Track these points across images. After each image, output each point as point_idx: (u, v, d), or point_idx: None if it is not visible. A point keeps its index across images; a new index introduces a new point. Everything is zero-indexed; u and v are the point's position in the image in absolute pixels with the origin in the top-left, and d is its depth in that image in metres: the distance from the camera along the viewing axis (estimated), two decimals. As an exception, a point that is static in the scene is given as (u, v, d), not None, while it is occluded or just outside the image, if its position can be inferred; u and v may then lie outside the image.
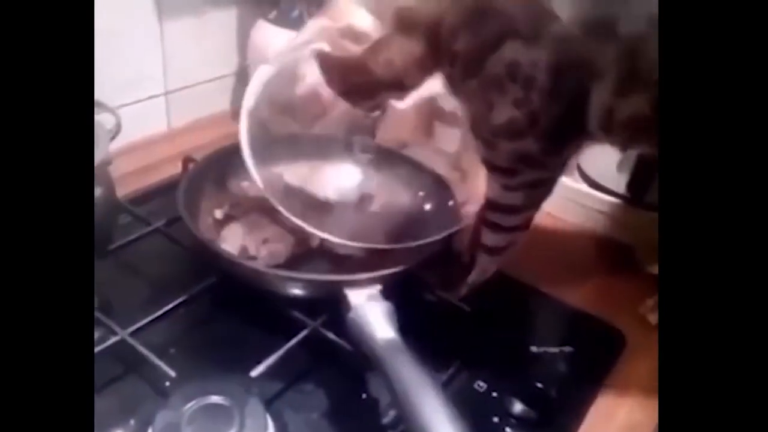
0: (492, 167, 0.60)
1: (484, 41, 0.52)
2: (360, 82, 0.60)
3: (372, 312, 0.54)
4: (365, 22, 0.58)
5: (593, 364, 0.62)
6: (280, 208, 0.61)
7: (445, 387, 0.57)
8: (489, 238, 0.64)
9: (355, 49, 0.58)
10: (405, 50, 0.57)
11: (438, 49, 0.56)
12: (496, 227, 0.63)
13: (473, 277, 0.66)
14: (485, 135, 0.58)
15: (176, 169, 0.77)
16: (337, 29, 0.58)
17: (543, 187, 0.61)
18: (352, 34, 0.58)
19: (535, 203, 0.62)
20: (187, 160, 0.77)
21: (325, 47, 0.58)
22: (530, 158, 0.56)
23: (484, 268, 0.66)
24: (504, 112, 0.54)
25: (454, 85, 0.58)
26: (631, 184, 0.81)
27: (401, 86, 0.61)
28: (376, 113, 0.70)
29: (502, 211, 0.62)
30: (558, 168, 0.59)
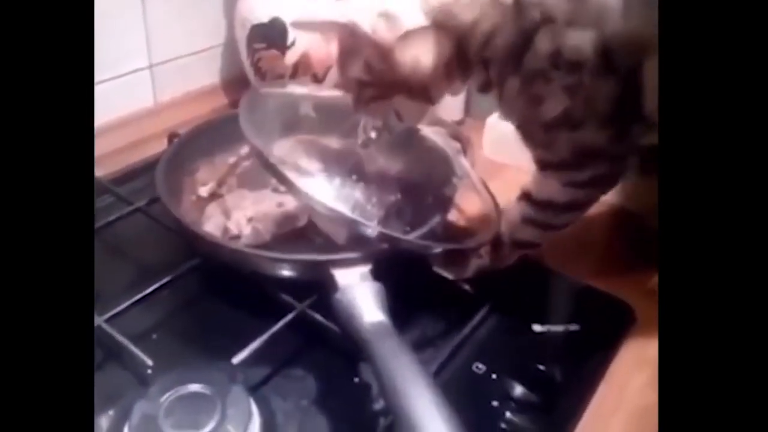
0: (552, 165, 0.58)
1: (524, 33, 0.51)
2: (379, 73, 0.57)
3: (360, 293, 0.50)
4: (406, 10, 0.55)
5: (600, 343, 0.58)
6: (285, 173, 0.57)
7: (441, 369, 0.54)
8: (529, 233, 0.62)
9: (387, 36, 0.55)
10: (436, 49, 0.55)
11: (468, 56, 0.55)
12: (544, 225, 0.61)
13: (489, 264, 0.63)
14: (538, 134, 0.56)
15: (163, 145, 0.74)
16: (376, 10, 0.55)
17: (607, 183, 0.59)
18: (389, 18, 0.55)
19: (593, 200, 0.60)
20: (173, 137, 0.74)
21: (360, 25, 0.55)
22: (594, 149, 0.54)
23: (506, 258, 0.63)
24: (556, 104, 0.52)
25: (489, 90, 0.57)
26: (644, 150, 0.77)
27: (421, 91, 0.58)
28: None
29: (558, 209, 0.59)
30: (623, 159, 0.57)
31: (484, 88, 0.58)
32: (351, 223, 0.56)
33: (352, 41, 0.57)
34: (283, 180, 0.56)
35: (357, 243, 0.56)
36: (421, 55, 0.55)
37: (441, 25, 0.54)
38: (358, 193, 0.66)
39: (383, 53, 0.55)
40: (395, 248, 0.55)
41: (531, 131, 0.57)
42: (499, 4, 0.52)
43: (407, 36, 0.54)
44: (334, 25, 0.58)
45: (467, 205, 0.71)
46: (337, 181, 0.66)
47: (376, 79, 0.58)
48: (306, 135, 0.70)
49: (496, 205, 0.66)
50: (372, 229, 0.55)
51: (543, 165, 0.58)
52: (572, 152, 0.55)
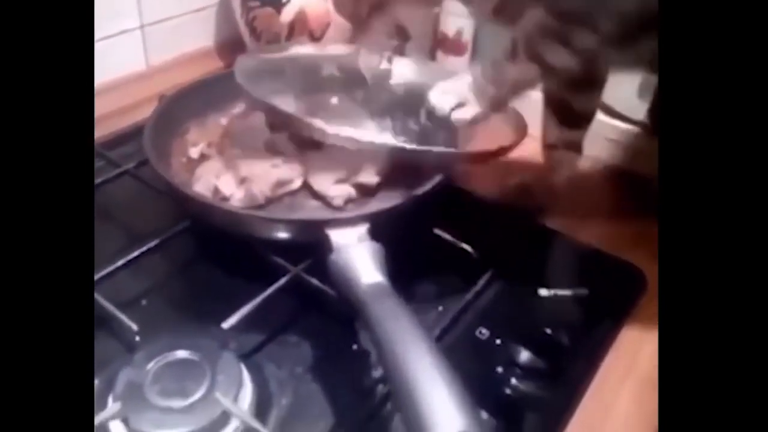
0: None
1: None
2: None
3: (356, 253, 0.47)
4: None
5: (610, 308, 0.56)
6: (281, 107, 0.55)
7: (444, 335, 0.52)
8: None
9: None
10: None
11: None
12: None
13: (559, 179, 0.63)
14: None
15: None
16: None
17: None
18: None
19: None
20: (163, 98, 0.70)
21: None
22: None
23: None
24: None
25: None
26: (654, 111, 0.73)
27: None
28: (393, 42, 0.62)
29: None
30: None
31: None
32: (370, 148, 0.54)
33: None
34: (289, 118, 0.54)
35: (355, 205, 0.53)
36: None
37: None
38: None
39: None
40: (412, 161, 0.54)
41: None
42: None
43: None
44: None
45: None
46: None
47: None
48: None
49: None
50: (393, 145, 0.54)
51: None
52: None
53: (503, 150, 0.58)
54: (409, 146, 0.55)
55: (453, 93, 0.58)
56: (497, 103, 0.59)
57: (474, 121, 0.57)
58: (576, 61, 0.55)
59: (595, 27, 0.52)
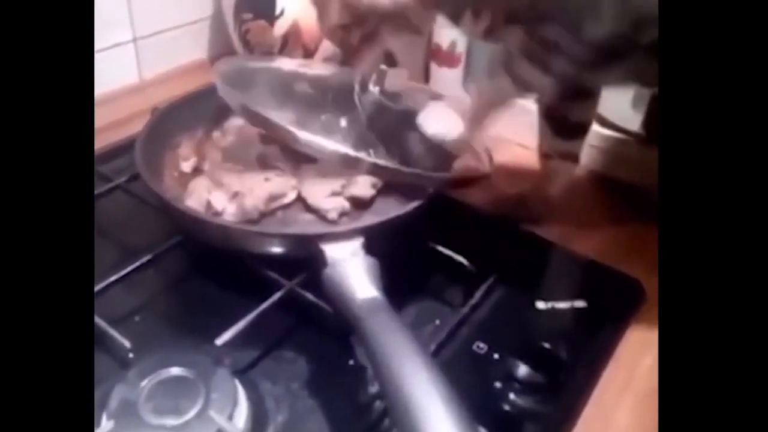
0: None
1: None
2: (358, 8, 0.55)
3: (351, 268, 0.47)
4: None
5: (608, 320, 0.55)
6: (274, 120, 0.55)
7: (440, 349, 0.51)
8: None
9: None
10: None
11: None
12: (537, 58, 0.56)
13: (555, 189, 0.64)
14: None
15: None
16: None
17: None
18: None
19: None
20: (155, 111, 0.70)
21: None
22: None
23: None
24: None
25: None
26: (648, 122, 0.73)
27: (404, 20, 0.56)
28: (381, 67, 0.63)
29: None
30: None
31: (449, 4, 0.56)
32: (347, 163, 0.54)
33: None
34: (274, 127, 0.54)
35: (349, 218, 0.53)
36: None
37: None
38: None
39: None
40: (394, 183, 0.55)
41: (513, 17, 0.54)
42: None
43: None
44: None
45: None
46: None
47: (356, 16, 0.56)
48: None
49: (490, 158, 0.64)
50: (371, 162, 0.54)
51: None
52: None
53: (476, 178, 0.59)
54: (383, 163, 0.56)
55: (443, 116, 0.59)
56: (476, 119, 0.60)
57: (459, 143, 0.58)
58: (551, 82, 0.56)
59: (569, 54, 0.52)
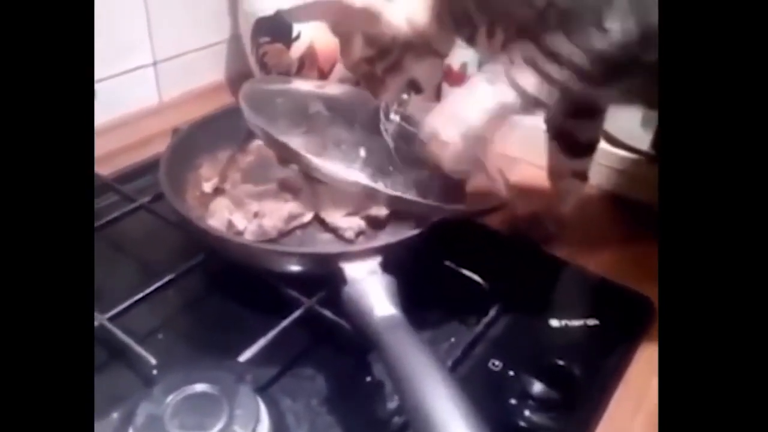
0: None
1: None
2: (379, 40, 0.57)
3: (370, 286, 0.48)
4: None
5: (620, 337, 0.56)
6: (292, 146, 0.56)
7: (456, 366, 0.52)
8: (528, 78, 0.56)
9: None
10: (425, 3, 0.55)
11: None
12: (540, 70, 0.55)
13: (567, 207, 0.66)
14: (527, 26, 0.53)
15: (167, 143, 0.72)
16: None
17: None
18: None
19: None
20: (176, 132, 0.71)
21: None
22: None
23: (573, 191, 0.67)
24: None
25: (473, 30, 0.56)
26: (658, 141, 0.74)
27: (426, 46, 0.58)
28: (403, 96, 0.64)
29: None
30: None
31: (470, 26, 0.57)
32: (364, 192, 0.55)
33: (345, 21, 0.57)
34: (294, 155, 0.56)
35: (366, 237, 0.54)
36: (413, 12, 0.55)
37: None
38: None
39: (374, 19, 0.55)
40: (409, 212, 0.55)
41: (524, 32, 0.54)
42: None
43: None
44: (324, 5, 0.57)
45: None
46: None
47: (380, 48, 0.57)
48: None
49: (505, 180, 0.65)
50: (388, 193, 0.55)
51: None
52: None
53: (492, 209, 0.61)
54: (402, 195, 0.57)
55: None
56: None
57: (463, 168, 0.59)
58: (552, 93, 0.55)
59: (572, 65, 0.53)
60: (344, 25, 0.59)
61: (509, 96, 0.54)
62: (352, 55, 0.60)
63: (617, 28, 0.50)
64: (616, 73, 0.54)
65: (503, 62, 0.55)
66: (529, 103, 0.57)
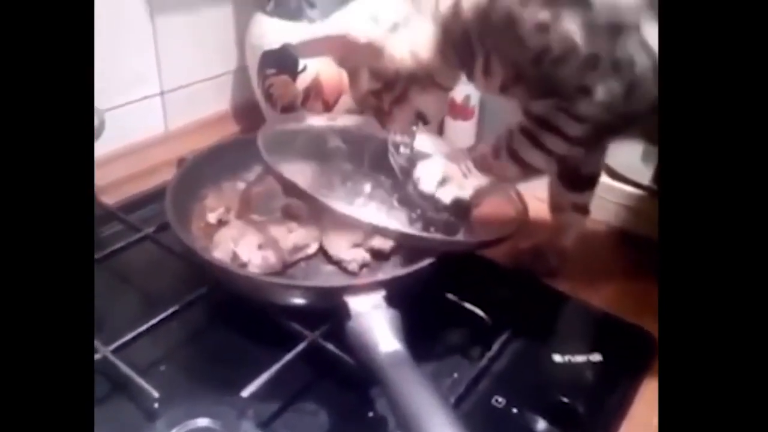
0: (544, 95, 0.56)
1: None
2: (384, 73, 0.58)
3: (374, 321, 0.48)
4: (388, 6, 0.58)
5: (624, 373, 0.56)
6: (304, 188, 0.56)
7: (459, 403, 0.52)
8: (527, 151, 0.58)
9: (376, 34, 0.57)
10: (428, 36, 0.56)
11: (454, 36, 0.56)
12: (539, 144, 0.57)
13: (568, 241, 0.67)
14: (528, 73, 0.55)
15: (173, 173, 0.73)
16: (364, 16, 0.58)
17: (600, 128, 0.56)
18: (375, 19, 0.58)
19: (592, 137, 0.57)
20: (182, 162, 0.72)
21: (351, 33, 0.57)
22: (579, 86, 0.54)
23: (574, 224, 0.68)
24: (535, 41, 0.52)
25: (472, 66, 0.57)
26: (659, 175, 0.75)
27: (430, 79, 0.59)
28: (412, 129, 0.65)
29: (551, 130, 0.56)
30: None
31: (469, 62, 0.58)
32: (375, 230, 0.56)
33: (351, 56, 0.58)
34: (306, 196, 0.56)
35: (370, 269, 0.54)
36: (416, 45, 0.57)
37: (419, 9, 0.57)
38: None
39: (378, 53, 0.56)
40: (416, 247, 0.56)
41: (520, 75, 0.56)
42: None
43: (395, 28, 0.56)
44: (330, 41, 0.58)
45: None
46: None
47: (385, 81, 0.59)
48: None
49: (522, 202, 0.66)
50: (391, 229, 0.56)
51: (536, 96, 0.57)
52: (560, 85, 0.53)
53: (502, 239, 0.61)
54: (407, 231, 0.58)
55: (436, 169, 0.60)
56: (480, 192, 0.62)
57: (464, 203, 0.59)
58: (550, 162, 0.58)
59: (563, 133, 0.55)
60: (350, 60, 0.61)
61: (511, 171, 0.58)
62: (358, 90, 0.61)
63: (601, 89, 0.51)
64: (607, 134, 0.56)
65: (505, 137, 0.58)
66: (532, 175, 0.60)
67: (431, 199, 0.59)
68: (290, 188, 0.57)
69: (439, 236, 0.58)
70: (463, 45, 0.56)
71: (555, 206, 0.70)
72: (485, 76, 0.58)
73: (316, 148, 0.70)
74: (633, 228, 0.76)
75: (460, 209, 0.60)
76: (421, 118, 0.62)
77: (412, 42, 0.57)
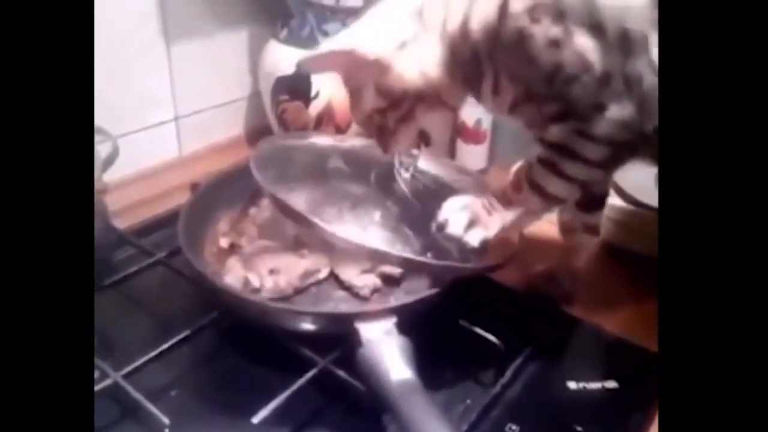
0: (557, 118, 0.55)
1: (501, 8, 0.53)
2: (391, 91, 0.58)
3: (385, 348, 0.48)
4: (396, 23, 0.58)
5: (640, 400, 0.55)
6: (315, 220, 0.56)
7: (473, 430, 0.51)
8: (545, 178, 0.58)
9: (384, 51, 0.56)
10: (436, 55, 0.56)
11: (463, 56, 0.56)
12: (558, 171, 0.57)
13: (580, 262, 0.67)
14: (540, 92, 0.55)
15: (187, 197, 0.73)
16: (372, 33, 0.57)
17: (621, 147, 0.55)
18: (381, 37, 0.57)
19: (611, 159, 0.56)
20: (195, 187, 0.73)
21: (358, 49, 0.57)
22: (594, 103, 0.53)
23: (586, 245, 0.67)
24: (547, 57, 0.52)
25: (479, 86, 0.57)
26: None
27: (437, 98, 0.59)
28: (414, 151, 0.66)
29: (571, 155, 0.56)
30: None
31: (477, 83, 0.58)
32: (377, 256, 0.55)
33: (356, 73, 0.58)
34: (303, 220, 0.56)
35: (381, 295, 0.54)
36: (424, 63, 0.56)
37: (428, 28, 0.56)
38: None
39: (386, 70, 0.56)
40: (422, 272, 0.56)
41: (531, 95, 0.56)
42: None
43: (403, 46, 0.56)
44: (336, 56, 0.58)
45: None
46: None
47: (392, 99, 0.58)
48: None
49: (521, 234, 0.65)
50: (401, 256, 0.55)
51: (550, 120, 0.56)
52: (574, 105, 0.53)
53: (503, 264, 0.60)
54: (411, 257, 0.58)
55: (463, 212, 0.59)
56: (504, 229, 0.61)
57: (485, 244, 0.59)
58: (573, 189, 0.58)
59: (583, 157, 0.55)
60: (356, 78, 0.60)
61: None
62: (363, 108, 0.61)
63: (615, 107, 0.52)
64: (627, 154, 0.56)
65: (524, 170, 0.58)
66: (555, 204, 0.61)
67: (458, 242, 0.58)
68: (286, 211, 0.57)
69: (445, 262, 0.57)
70: (471, 64, 0.56)
71: (566, 228, 0.69)
72: (494, 96, 0.57)
73: (316, 167, 0.70)
74: (647, 251, 0.75)
75: (485, 249, 0.59)
76: (424, 139, 0.62)
77: (420, 60, 0.57)
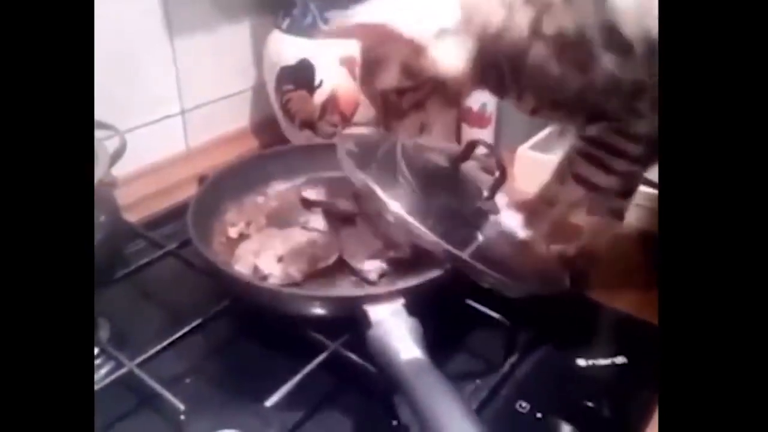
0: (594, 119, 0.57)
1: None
2: (419, 74, 0.56)
3: (394, 329, 0.49)
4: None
5: (650, 376, 0.55)
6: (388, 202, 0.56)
7: (483, 408, 0.52)
8: (585, 168, 0.60)
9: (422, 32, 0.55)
10: (467, 48, 0.55)
11: (488, 56, 0.56)
12: (597, 162, 0.59)
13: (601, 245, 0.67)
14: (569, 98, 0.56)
15: (194, 190, 0.74)
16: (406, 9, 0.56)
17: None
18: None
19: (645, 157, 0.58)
20: (203, 179, 0.74)
21: (392, 24, 0.55)
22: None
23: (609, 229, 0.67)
24: (572, 79, 0.53)
25: (504, 89, 0.59)
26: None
27: (456, 92, 0.59)
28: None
29: (608, 149, 0.58)
30: None
31: (500, 89, 0.59)
32: (437, 247, 0.55)
33: (382, 46, 0.56)
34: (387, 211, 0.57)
35: (388, 278, 0.54)
36: (459, 57, 0.56)
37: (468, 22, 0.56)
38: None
39: (419, 51, 0.55)
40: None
41: (557, 105, 0.57)
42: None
43: (442, 33, 0.55)
44: (366, 27, 0.56)
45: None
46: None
47: (416, 82, 0.57)
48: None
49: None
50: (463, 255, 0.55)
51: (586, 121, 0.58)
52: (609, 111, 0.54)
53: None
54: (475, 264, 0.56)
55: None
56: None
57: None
58: (617, 180, 0.59)
59: (623, 152, 0.56)
60: (380, 51, 0.58)
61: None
62: (380, 81, 0.58)
63: (651, 113, 0.53)
64: None
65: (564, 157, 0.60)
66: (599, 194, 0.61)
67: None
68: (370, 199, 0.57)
69: (509, 279, 0.56)
70: (498, 73, 0.57)
71: (592, 211, 0.69)
72: (518, 102, 0.59)
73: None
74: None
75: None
76: (423, 129, 0.62)
77: (455, 53, 0.56)
